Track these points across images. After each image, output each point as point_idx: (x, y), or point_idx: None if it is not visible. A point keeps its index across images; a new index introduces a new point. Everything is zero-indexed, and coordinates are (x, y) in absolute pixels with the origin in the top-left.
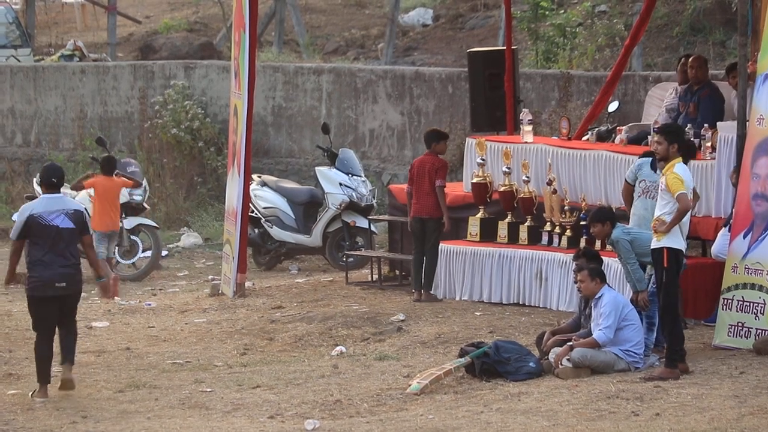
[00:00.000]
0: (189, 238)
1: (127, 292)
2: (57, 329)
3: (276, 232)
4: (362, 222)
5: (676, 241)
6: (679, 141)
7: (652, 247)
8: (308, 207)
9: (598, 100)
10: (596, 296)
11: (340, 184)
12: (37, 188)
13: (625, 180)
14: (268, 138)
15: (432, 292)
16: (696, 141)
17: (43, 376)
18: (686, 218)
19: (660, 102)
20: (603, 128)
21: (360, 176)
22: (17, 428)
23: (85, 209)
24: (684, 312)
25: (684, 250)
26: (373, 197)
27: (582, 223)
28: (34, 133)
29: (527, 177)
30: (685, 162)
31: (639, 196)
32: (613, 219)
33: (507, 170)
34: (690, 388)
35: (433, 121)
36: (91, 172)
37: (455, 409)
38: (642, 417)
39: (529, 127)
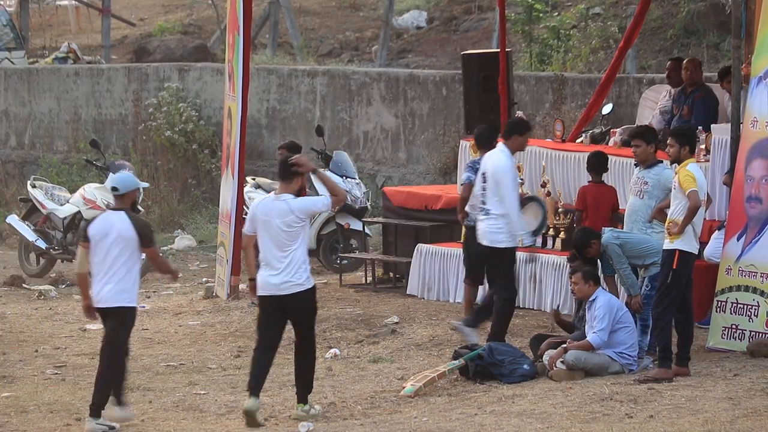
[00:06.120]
0: (183, 241)
1: None
2: None
3: None
4: (356, 224)
5: (689, 243)
6: (691, 143)
7: (664, 248)
8: None
9: (592, 103)
10: (590, 299)
11: None
12: (32, 191)
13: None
14: (263, 140)
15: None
16: None
17: None
18: (699, 219)
19: (654, 104)
20: (597, 131)
21: (354, 178)
22: (11, 431)
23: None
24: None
25: (696, 252)
26: (368, 200)
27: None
28: (28, 136)
29: (521, 179)
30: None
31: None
32: (599, 235)
33: None
34: (684, 391)
35: (427, 124)
36: None
37: (449, 411)
38: (636, 419)
39: None
